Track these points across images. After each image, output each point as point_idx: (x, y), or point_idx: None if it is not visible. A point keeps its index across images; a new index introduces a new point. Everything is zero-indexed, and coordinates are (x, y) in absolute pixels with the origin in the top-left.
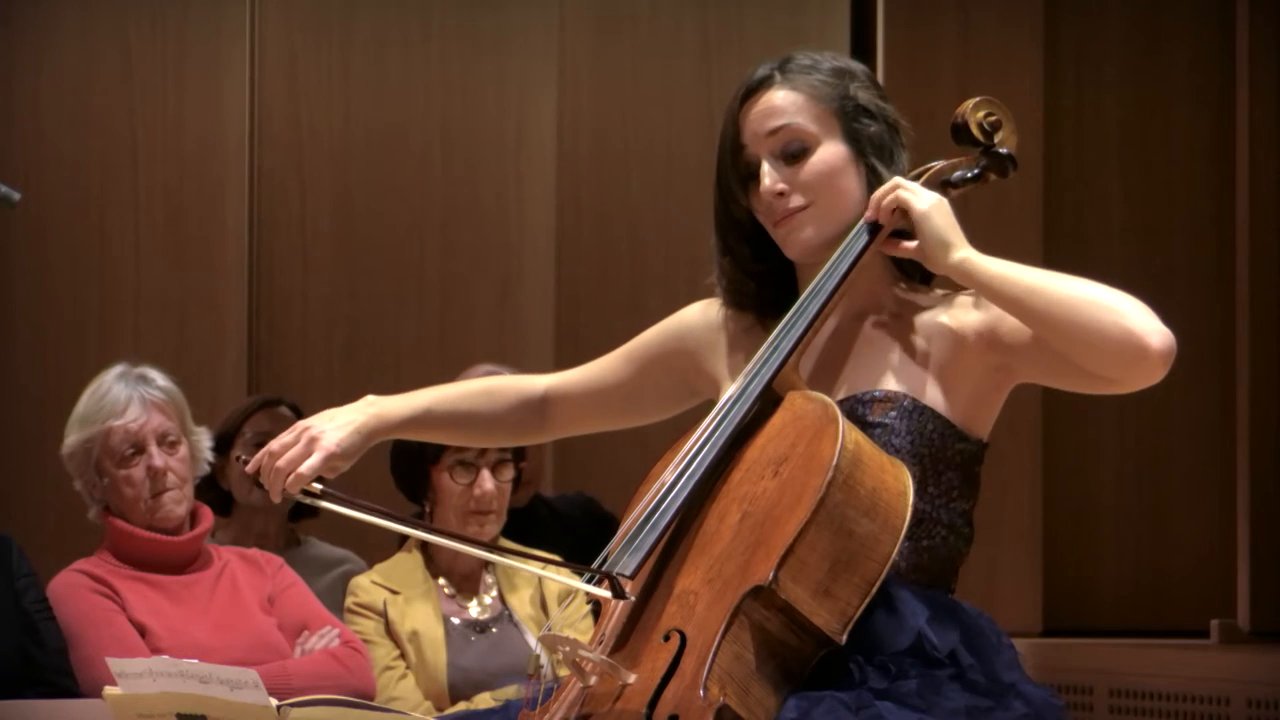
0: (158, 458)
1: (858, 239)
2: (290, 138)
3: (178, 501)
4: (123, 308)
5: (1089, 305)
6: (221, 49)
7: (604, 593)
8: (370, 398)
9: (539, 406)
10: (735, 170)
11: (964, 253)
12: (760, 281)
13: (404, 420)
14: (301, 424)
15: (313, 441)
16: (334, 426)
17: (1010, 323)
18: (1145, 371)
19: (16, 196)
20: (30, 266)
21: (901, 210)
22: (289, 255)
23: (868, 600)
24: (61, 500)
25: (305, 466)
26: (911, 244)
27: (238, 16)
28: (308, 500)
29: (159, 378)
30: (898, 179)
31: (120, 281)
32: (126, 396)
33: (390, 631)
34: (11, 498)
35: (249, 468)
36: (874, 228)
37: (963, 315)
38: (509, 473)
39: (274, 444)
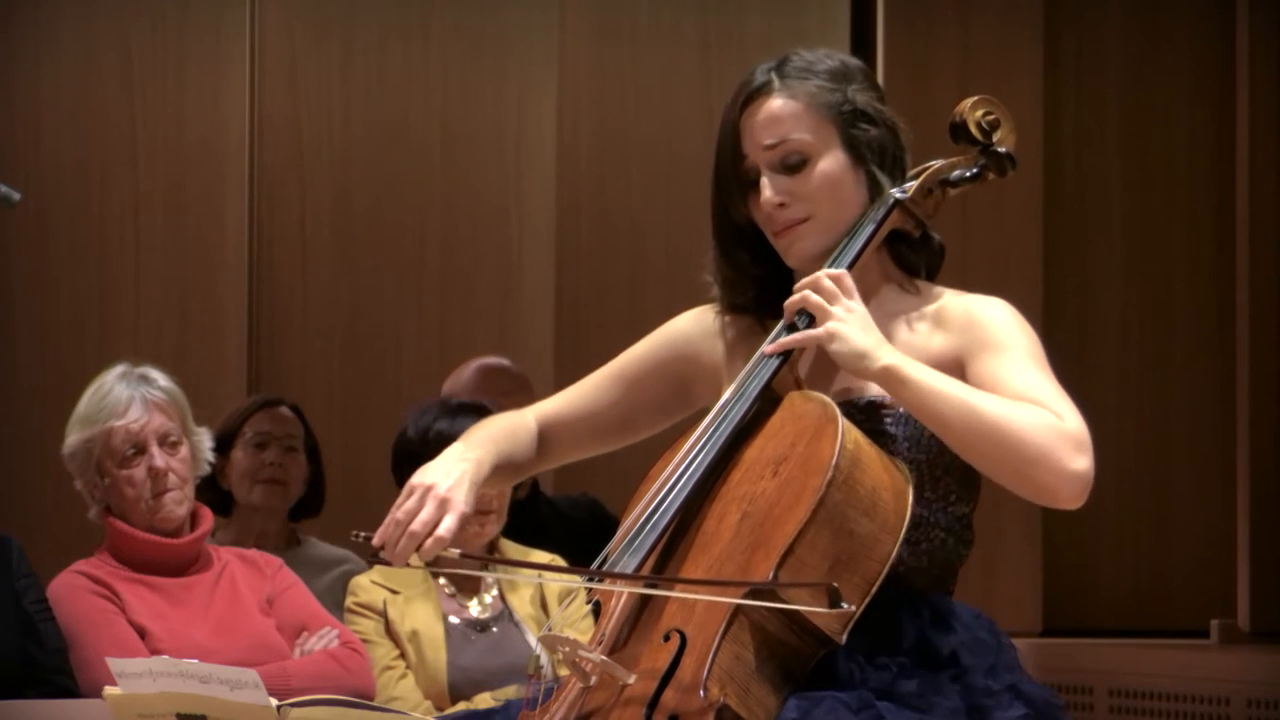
0: (159, 458)
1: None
2: (290, 138)
3: (178, 502)
4: (123, 308)
5: (1011, 449)
6: (221, 49)
7: (821, 609)
8: (460, 447)
9: (534, 438)
10: (735, 178)
11: (886, 361)
12: (759, 285)
13: (491, 470)
14: (418, 485)
15: (444, 503)
16: (454, 483)
17: (975, 367)
18: (1051, 506)
19: (16, 196)
20: (30, 266)
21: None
22: (289, 255)
23: (868, 600)
24: (61, 500)
25: (443, 529)
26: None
27: (238, 16)
28: (433, 567)
29: (160, 378)
30: (806, 293)
31: (120, 281)
32: (128, 397)
33: (390, 631)
34: (11, 498)
35: (375, 541)
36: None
37: (943, 335)
38: None
39: (398, 513)
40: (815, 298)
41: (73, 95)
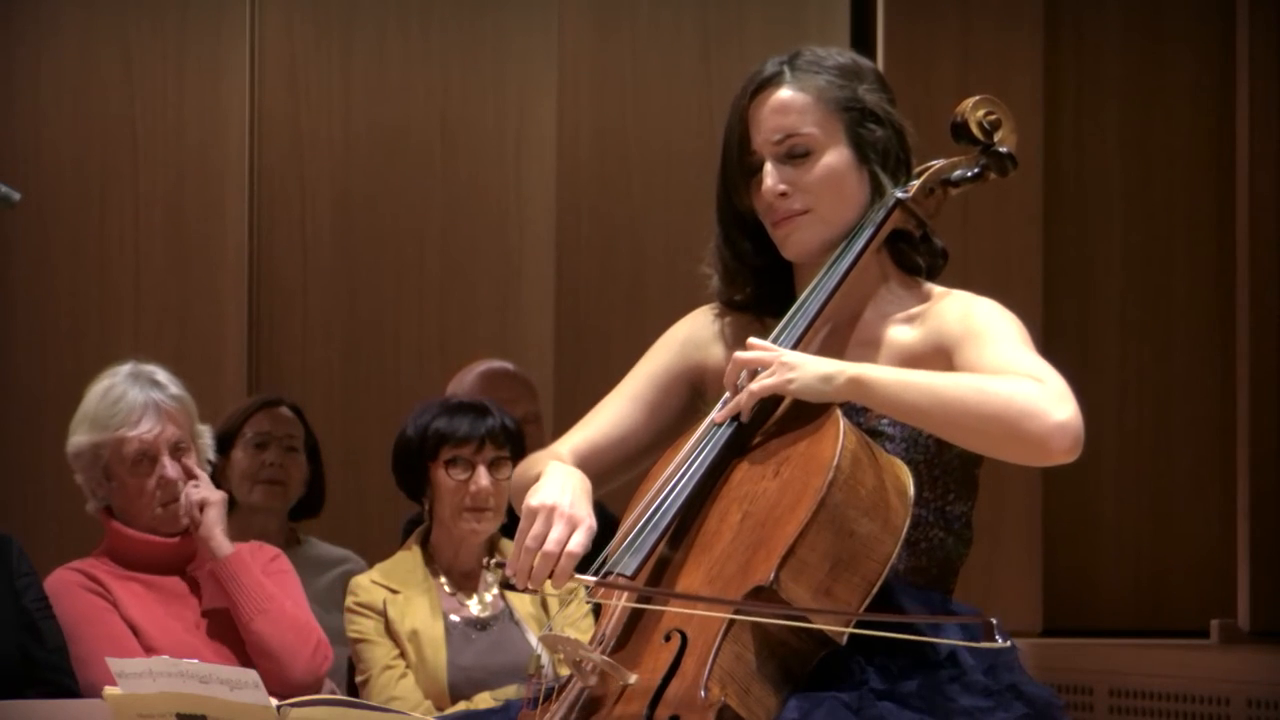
0: (170, 468)
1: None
2: (290, 138)
3: (185, 511)
4: (123, 308)
5: (993, 416)
6: (221, 49)
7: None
8: (557, 465)
9: None
10: (740, 166)
11: (849, 373)
12: (759, 276)
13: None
14: (540, 508)
15: (572, 520)
16: (573, 499)
17: (959, 358)
18: (1048, 464)
19: (16, 197)
20: (30, 267)
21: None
22: (289, 255)
23: (868, 600)
24: (61, 500)
25: (575, 545)
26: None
27: (238, 16)
28: (564, 589)
29: (171, 383)
30: (736, 355)
31: (120, 281)
32: (142, 404)
33: (390, 630)
34: (11, 498)
35: (508, 571)
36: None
37: (927, 331)
38: (506, 470)
39: (526, 539)
40: (748, 354)
41: (73, 95)
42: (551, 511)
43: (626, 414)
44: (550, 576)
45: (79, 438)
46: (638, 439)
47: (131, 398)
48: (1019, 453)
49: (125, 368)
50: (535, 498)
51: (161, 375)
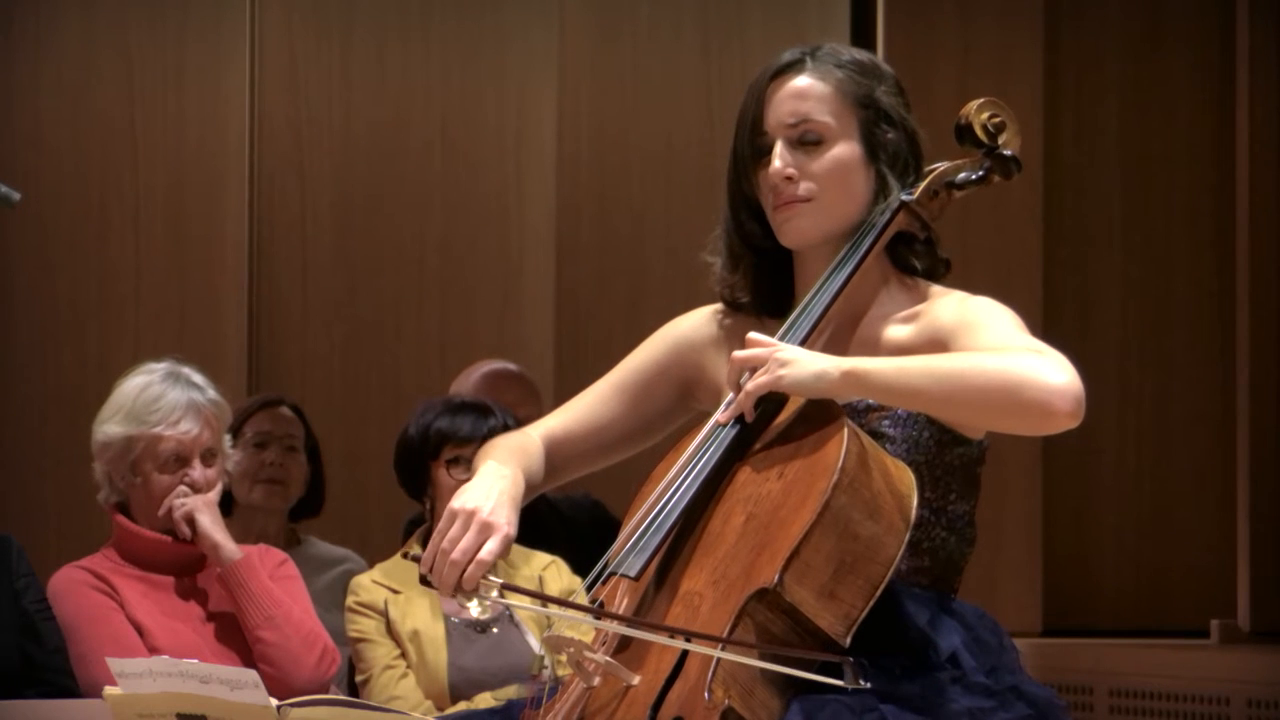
0: (198, 471)
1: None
2: (290, 138)
3: (177, 525)
4: (123, 308)
5: (992, 386)
6: (221, 49)
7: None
8: (494, 465)
9: (543, 458)
10: (751, 146)
11: (844, 367)
12: (761, 261)
13: (528, 486)
14: (460, 511)
15: (487, 527)
16: (496, 505)
17: (954, 347)
18: (1053, 430)
19: (16, 196)
20: (30, 266)
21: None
22: (289, 255)
23: (872, 602)
24: (61, 500)
25: (486, 553)
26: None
27: (238, 16)
28: (483, 595)
29: (208, 387)
30: (735, 354)
31: (120, 281)
32: (184, 404)
33: (391, 631)
34: (11, 498)
35: (422, 568)
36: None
37: (923, 328)
38: None
39: (442, 541)
40: (746, 352)
41: (73, 95)
42: (470, 516)
43: (608, 403)
44: (460, 580)
45: (112, 428)
46: (615, 429)
47: (173, 397)
48: (1023, 421)
49: (162, 365)
50: (458, 500)
51: (198, 377)
